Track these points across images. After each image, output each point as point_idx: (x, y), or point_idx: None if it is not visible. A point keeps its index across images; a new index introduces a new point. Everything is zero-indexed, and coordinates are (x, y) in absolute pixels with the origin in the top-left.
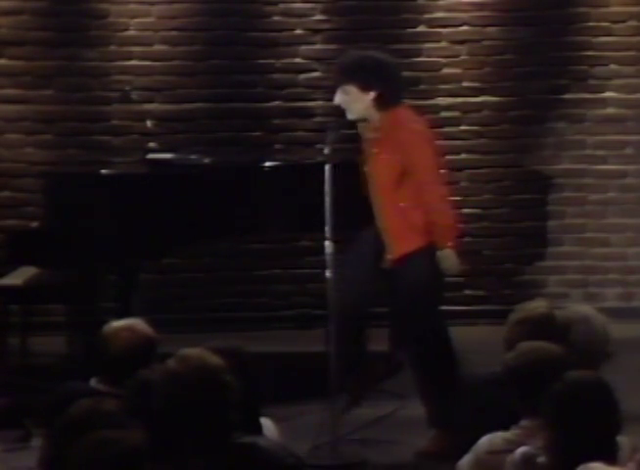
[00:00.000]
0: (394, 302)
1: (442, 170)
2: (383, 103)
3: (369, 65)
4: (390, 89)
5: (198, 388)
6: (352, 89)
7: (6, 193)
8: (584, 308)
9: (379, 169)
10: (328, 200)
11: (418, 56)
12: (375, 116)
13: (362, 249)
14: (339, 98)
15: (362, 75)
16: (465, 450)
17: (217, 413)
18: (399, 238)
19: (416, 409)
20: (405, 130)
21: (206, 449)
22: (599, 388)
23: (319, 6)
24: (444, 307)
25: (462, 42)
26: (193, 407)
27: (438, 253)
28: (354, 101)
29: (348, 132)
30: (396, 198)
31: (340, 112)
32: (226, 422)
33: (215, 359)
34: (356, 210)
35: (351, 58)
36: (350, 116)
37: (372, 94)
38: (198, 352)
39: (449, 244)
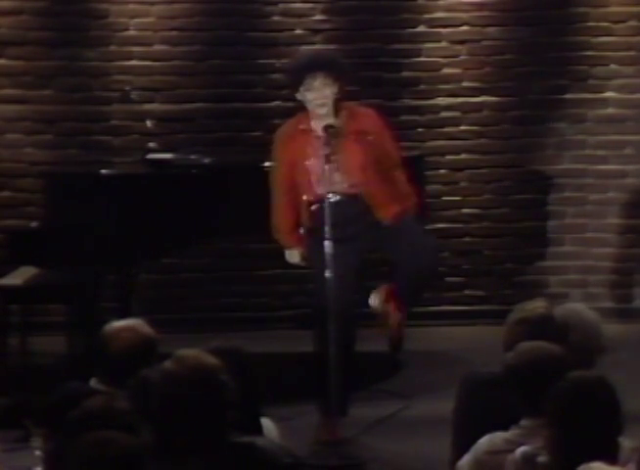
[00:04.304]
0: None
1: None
2: (342, 94)
3: (339, 58)
4: (347, 81)
5: (194, 388)
6: (329, 82)
7: (6, 193)
8: (577, 307)
9: (358, 150)
10: (327, 199)
11: (418, 56)
12: (332, 109)
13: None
14: (324, 91)
15: (337, 68)
16: (465, 450)
17: (214, 413)
18: (389, 204)
19: (419, 410)
20: (368, 116)
21: (204, 449)
22: (602, 388)
23: (319, 6)
24: (444, 308)
25: (462, 42)
26: (189, 407)
27: None
28: (332, 94)
29: None
30: (377, 173)
31: None
32: (223, 422)
33: (212, 359)
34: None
35: (320, 53)
36: (325, 110)
37: (337, 86)
38: (194, 352)
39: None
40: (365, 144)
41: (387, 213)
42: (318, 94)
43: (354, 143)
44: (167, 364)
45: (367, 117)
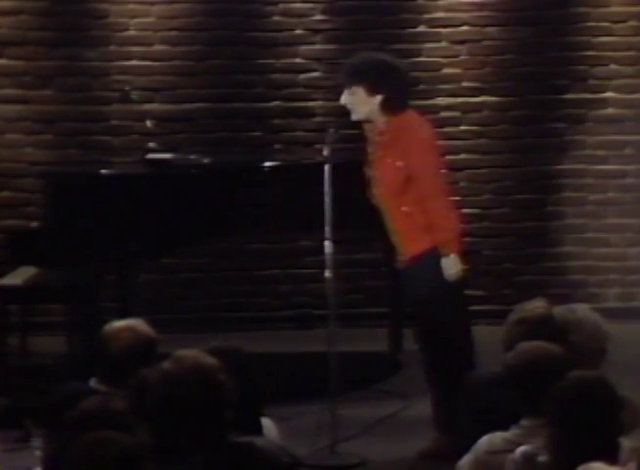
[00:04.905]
0: (409, 302)
1: (445, 175)
2: (389, 107)
3: (379, 68)
4: (397, 94)
5: (192, 388)
6: (359, 91)
7: (6, 193)
8: (579, 307)
9: (384, 173)
10: (327, 200)
11: (418, 56)
12: (380, 119)
13: None
14: (345, 98)
15: (371, 78)
16: (465, 450)
17: (213, 413)
18: (409, 239)
19: (419, 410)
20: (409, 136)
21: (203, 449)
22: (602, 387)
23: (319, 6)
24: None
25: (462, 42)
26: (187, 407)
27: (442, 260)
28: (360, 103)
29: (349, 132)
30: (402, 202)
31: (339, 112)
32: (222, 422)
33: (210, 360)
34: (356, 210)
35: (362, 59)
36: (355, 116)
37: (378, 97)
38: (193, 352)
39: (452, 252)
40: (394, 167)
41: (404, 253)
42: (344, 101)
43: (384, 158)
44: (166, 364)
45: (409, 137)
